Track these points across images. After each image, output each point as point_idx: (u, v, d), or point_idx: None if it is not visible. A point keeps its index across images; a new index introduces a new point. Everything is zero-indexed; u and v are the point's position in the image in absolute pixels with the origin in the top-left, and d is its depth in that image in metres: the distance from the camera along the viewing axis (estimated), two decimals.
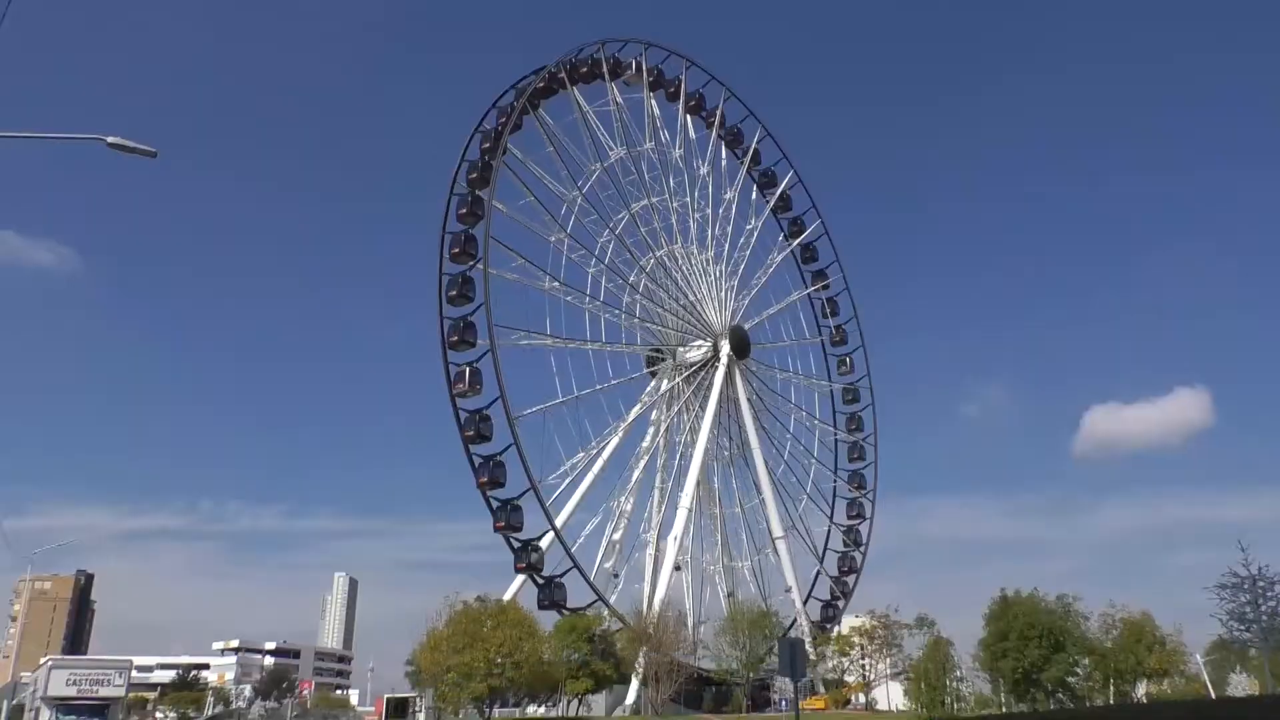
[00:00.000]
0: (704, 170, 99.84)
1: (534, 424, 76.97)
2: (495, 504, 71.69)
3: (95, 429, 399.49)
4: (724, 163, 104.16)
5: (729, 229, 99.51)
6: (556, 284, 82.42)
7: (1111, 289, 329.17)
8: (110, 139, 22.76)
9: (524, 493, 72.08)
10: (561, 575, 74.13)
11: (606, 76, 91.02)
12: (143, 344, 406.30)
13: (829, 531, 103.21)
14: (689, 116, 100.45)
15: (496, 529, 71.58)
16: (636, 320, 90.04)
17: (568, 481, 78.56)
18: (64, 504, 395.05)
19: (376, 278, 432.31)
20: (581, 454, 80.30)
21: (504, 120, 79.83)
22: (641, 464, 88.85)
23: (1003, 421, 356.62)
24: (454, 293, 73.29)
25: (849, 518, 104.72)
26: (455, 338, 72.58)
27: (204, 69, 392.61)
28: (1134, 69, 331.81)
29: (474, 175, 77.22)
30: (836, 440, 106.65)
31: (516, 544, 72.44)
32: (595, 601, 74.90)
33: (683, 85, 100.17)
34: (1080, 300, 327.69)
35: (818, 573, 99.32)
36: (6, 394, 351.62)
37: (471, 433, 71.36)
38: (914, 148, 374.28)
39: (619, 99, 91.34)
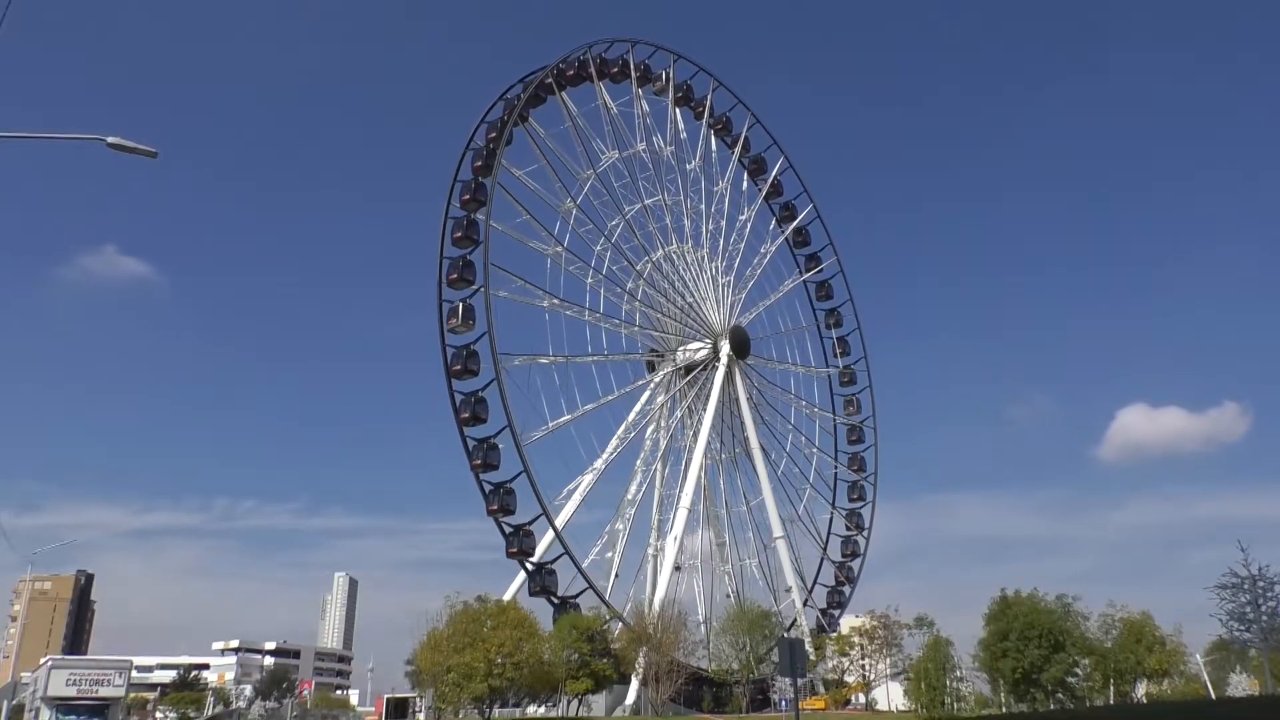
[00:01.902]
0: (721, 186, 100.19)
1: (525, 392, 76.59)
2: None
3: (113, 428, 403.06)
4: (744, 185, 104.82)
5: (741, 246, 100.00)
6: (561, 248, 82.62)
7: (1147, 295, 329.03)
8: (110, 139, 22.76)
9: (501, 430, 71.23)
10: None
11: (634, 79, 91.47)
12: (167, 343, 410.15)
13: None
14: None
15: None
16: (638, 304, 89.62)
17: (547, 433, 77.38)
18: (79, 501, 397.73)
19: (396, 278, 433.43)
20: (568, 416, 79.61)
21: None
22: (641, 463, 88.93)
23: (1034, 423, 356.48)
24: (459, 234, 73.76)
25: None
26: (454, 275, 73.19)
27: (208, 72, 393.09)
28: (1170, 64, 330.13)
29: (492, 134, 77.79)
30: (836, 473, 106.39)
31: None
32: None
33: (699, 94, 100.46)
34: (1118, 304, 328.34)
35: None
36: (35, 394, 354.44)
37: (459, 367, 71.57)
38: (938, 150, 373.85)
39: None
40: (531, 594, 72.65)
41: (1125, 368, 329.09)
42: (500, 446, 71.15)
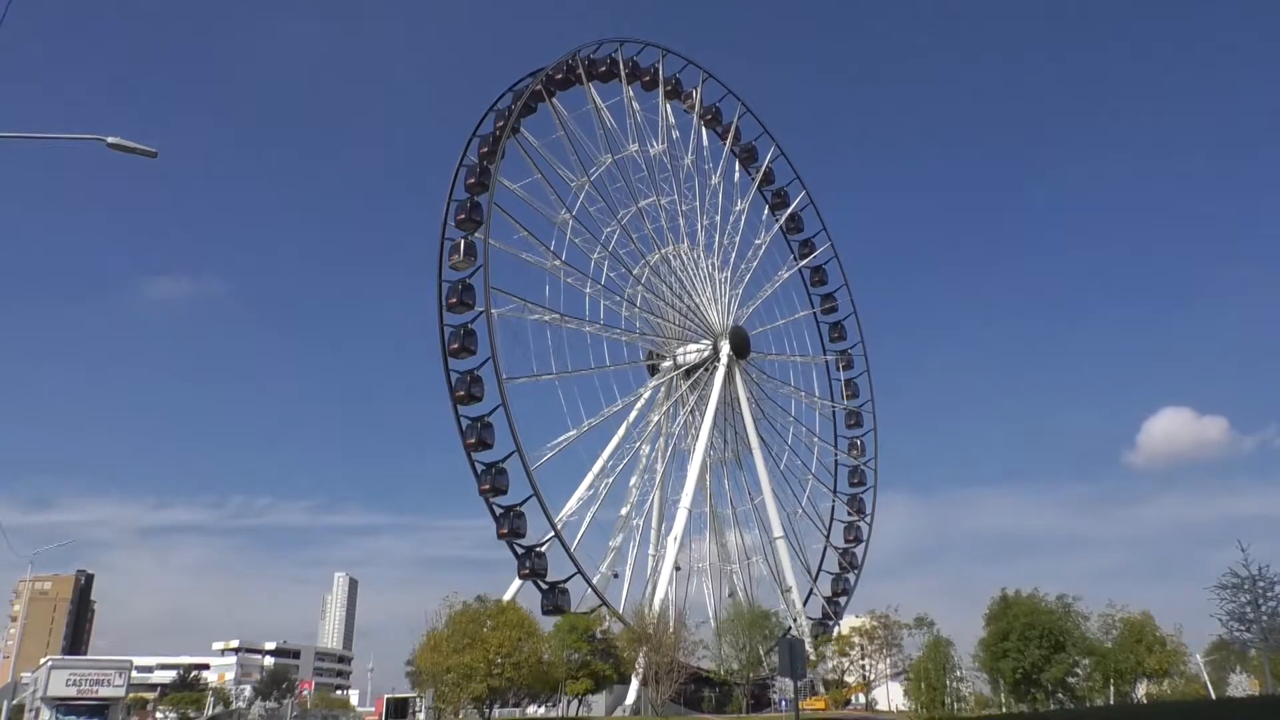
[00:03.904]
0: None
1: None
2: (499, 510, 71.65)
3: (131, 425, 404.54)
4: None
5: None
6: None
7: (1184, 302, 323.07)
8: (110, 139, 22.69)
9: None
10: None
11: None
12: (195, 342, 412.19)
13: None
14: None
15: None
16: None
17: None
18: (94, 498, 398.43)
19: (414, 274, 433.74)
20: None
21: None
22: (641, 463, 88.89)
23: (1064, 421, 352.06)
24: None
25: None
26: (462, 216, 74.43)
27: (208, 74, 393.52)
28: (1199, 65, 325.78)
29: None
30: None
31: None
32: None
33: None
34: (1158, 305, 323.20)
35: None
36: (69, 392, 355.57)
37: (454, 300, 72.23)
38: (955, 136, 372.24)
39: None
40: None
41: (1160, 372, 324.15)
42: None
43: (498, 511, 71.88)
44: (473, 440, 71.12)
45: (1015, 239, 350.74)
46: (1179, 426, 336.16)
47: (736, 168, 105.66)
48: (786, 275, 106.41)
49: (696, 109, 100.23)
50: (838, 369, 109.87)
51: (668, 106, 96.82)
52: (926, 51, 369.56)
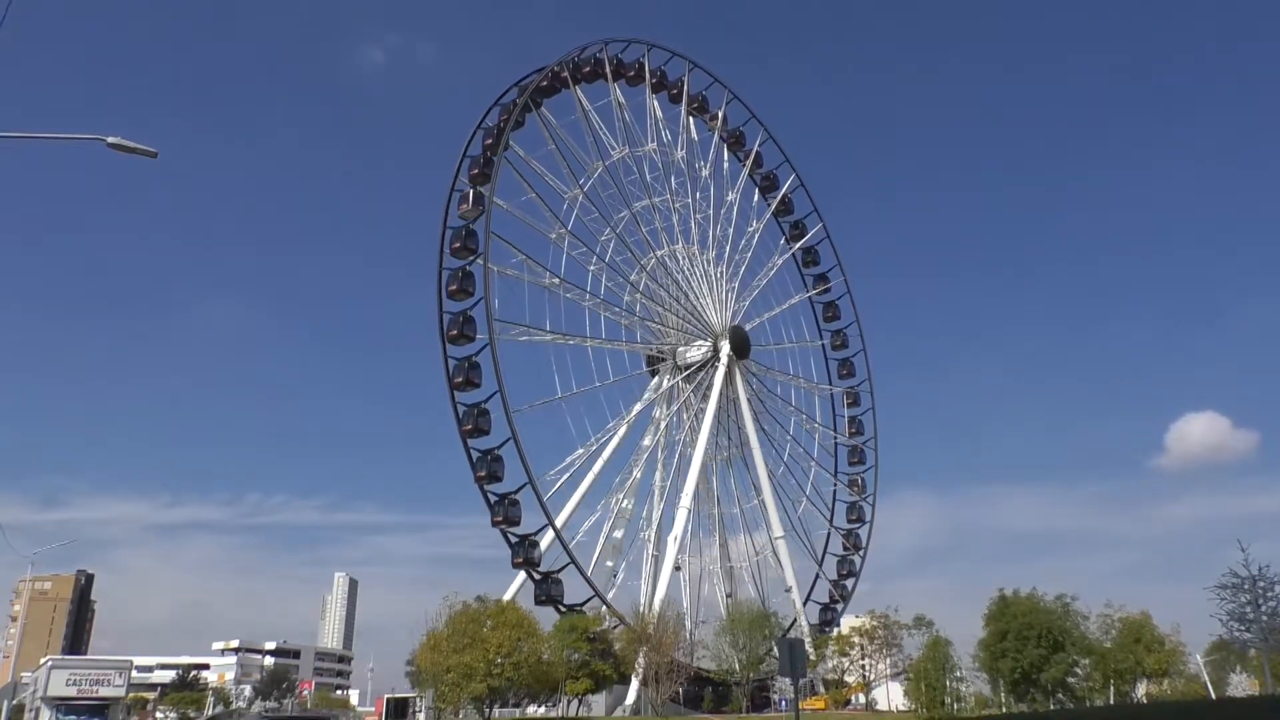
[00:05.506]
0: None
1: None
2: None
3: (150, 424, 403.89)
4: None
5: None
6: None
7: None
8: (110, 139, 22.70)
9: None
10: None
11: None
12: (211, 340, 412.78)
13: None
14: (691, 119, 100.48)
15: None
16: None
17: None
18: (106, 496, 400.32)
19: (421, 271, 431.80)
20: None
21: (507, 116, 79.81)
22: (641, 463, 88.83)
23: (1087, 424, 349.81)
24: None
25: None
26: (475, 171, 75.22)
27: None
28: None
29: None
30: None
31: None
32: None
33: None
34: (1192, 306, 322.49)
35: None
36: (85, 390, 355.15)
37: (458, 244, 72.61)
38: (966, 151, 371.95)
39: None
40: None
41: (1187, 380, 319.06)
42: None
43: (474, 456, 71.31)
44: (459, 380, 70.89)
45: (1037, 244, 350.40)
46: (1212, 432, 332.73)
47: (755, 192, 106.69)
48: (796, 301, 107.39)
49: (719, 128, 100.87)
50: (844, 405, 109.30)
51: (690, 120, 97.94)
52: (957, 60, 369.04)
